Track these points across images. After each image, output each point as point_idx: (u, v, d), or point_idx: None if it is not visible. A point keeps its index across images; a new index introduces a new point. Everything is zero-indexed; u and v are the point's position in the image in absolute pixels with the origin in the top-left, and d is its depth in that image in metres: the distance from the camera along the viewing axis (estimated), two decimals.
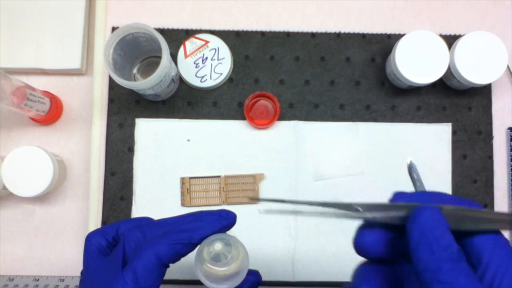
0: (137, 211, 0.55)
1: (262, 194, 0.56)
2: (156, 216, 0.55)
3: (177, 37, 0.57)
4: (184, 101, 0.57)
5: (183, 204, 0.56)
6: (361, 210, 0.26)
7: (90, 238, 0.35)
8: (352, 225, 0.57)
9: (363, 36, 0.58)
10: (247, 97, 0.55)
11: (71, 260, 0.57)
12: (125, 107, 0.57)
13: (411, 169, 0.56)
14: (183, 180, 0.56)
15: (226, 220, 0.35)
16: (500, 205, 0.57)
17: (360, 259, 0.29)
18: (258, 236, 0.55)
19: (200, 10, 0.58)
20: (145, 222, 0.36)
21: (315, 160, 0.56)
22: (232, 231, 0.55)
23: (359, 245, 0.27)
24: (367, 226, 0.27)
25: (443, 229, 0.23)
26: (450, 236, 0.23)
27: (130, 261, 0.32)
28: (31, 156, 0.52)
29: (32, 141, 0.58)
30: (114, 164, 0.56)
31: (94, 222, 0.55)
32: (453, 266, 0.22)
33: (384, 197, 0.58)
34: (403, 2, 0.59)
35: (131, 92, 0.56)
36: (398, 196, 0.28)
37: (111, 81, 0.57)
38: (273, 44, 0.58)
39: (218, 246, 0.33)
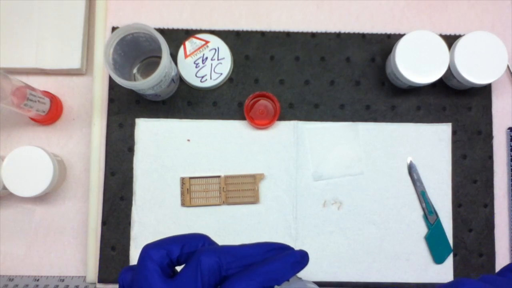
0: (137, 211, 0.55)
1: (262, 194, 0.56)
2: (156, 216, 0.55)
3: (177, 37, 0.58)
4: (184, 101, 0.57)
5: (183, 204, 0.56)
6: None
7: (151, 254, 0.29)
8: (351, 227, 0.57)
9: (363, 36, 0.58)
10: (247, 97, 0.55)
11: (71, 260, 0.57)
12: (125, 107, 0.57)
13: (411, 169, 0.57)
14: (183, 180, 0.56)
15: (305, 262, 0.32)
16: (500, 205, 0.57)
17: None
18: (258, 236, 0.55)
19: (200, 10, 0.59)
20: (217, 247, 0.31)
21: (315, 160, 0.56)
22: (232, 231, 0.55)
23: None
24: None
25: None
26: None
27: None
28: (31, 156, 0.52)
29: (32, 141, 0.58)
30: (114, 164, 0.56)
31: (94, 222, 0.55)
32: None
33: (383, 197, 0.58)
34: (403, 2, 0.59)
35: (131, 92, 0.56)
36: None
37: (111, 81, 0.57)
38: (273, 44, 0.58)
39: None
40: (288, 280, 0.32)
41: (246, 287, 0.28)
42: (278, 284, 0.30)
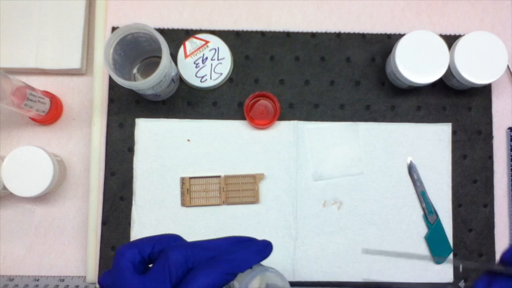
0: (137, 211, 0.55)
1: (262, 194, 0.56)
2: (156, 216, 0.55)
3: (177, 37, 0.58)
4: (184, 101, 0.57)
5: (183, 204, 0.56)
6: None
7: (125, 252, 0.32)
8: (351, 227, 0.57)
9: (363, 36, 0.58)
10: (247, 97, 0.55)
11: (71, 260, 0.57)
12: (125, 107, 0.57)
13: (411, 169, 0.57)
14: (183, 180, 0.56)
15: (268, 251, 0.34)
16: (500, 205, 0.57)
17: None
18: (258, 236, 0.55)
19: (200, 10, 0.58)
20: (185, 243, 0.34)
21: (315, 160, 0.56)
22: (232, 231, 0.55)
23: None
24: None
25: None
26: None
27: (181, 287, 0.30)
28: (31, 156, 0.52)
29: (32, 141, 0.58)
30: (114, 164, 0.56)
31: (94, 222, 0.55)
32: None
33: (383, 197, 0.58)
34: (403, 2, 0.59)
35: (131, 92, 0.56)
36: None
37: (111, 81, 0.57)
38: (273, 44, 0.58)
39: (273, 278, 0.34)
40: (251, 268, 0.33)
41: (209, 274, 0.30)
42: (241, 271, 0.32)
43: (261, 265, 0.35)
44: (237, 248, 0.33)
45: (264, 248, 0.34)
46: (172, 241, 0.34)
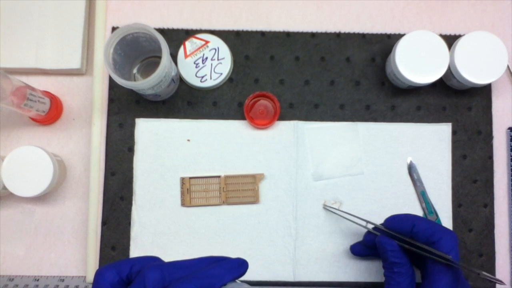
0: (137, 211, 0.55)
1: (262, 194, 0.56)
2: (156, 216, 0.55)
3: (177, 37, 0.58)
4: (184, 101, 0.57)
5: (183, 204, 0.56)
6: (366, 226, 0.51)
7: (104, 274, 0.33)
8: (351, 227, 0.57)
9: (363, 36, 0.58)
10: (247, 97, 0.55)
11: (71, 260, 0.57)
12: (125, 107, 0.57)
13: (411, 169, 0.57)
14: (183, 180, 0.56)
15: (243, 268, 0.35)
16: (500, 205, 0.57)
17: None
18: (258, 236, 0.55)
19: (200, 10, 0.59)
20: (162, 263, 0.35)
21: (315, 160, 0.56)
22: (232, 231, 0.55)
23: (352, 252, 0.54)
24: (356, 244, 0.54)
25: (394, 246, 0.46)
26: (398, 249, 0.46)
27: None
28: (31, 156, 0.52)
29: (32, 141, 0.58)
30: (114, 164, 0.56)
31: (94, 222, 0.55)
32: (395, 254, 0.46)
33: (383, 197, 0.58)
34: (403, 2, 0.59)
35: (131, 92, 0.56)
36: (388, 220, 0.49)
37: (111, 81, 0.57)
38: (273, 44, 0.58)
39: None
40: (225, 285, 0.34)
41: None
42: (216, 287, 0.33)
43: (236, 282, 0.35)
44: (212, 266, 0.34)
45: (238, 266, 0.34)
46: (151, 261, 0.35)
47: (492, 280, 0.42)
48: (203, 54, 0.57)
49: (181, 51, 0.57)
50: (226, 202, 0.55)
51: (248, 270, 0.35)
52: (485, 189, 0.56)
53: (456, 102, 0.57)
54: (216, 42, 0.57)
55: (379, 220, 0.56)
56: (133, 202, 0.56)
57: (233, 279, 0.34)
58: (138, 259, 0.35)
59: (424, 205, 0.56)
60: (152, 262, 0.35)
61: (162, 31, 0.57)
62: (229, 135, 0.56)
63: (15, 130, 0.58)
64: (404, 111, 0.57)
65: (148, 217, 0.55)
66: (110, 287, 0.33)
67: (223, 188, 0.55)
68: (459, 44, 0.53)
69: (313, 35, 0.58)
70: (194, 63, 0.57)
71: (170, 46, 0.50)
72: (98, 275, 0.33)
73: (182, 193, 0.56)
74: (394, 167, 0.56)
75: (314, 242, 0.55)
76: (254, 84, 0.57)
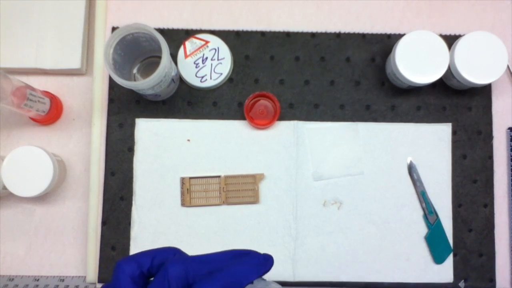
0: (137, 211, 0.55)
1: (262, 194, 0.56)
2: (156, 216, 0.55)
3: (177, 37, 0.57)
4: (184, 101, 0.57)
5: (183, 204, 0.56)
6: None
7: (124, 267, 0.31)
8: (351, 226, 0.57)
9: (363, 36, 0.58)
10: (247, 97, 0.55)
11: (71, 260, 0.57)
12: (125, 107, 0.57)
13: (411, 169, 0.57)
14: (183, 180, 0.56)
15: (269, 265, 0.34)
16: (500, 205, 0.57)
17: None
18: (258, 236, 0.55)
19: (200, 10, 0.58)
20: (184, 257, 0.33)
21: (315, 160, 0.56)
22: (232, 231, 0.55)
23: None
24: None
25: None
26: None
27: None
28: (31, 156, 0.52)
29: (32, 141, 0.58)
30: (114, 164, 0.56)
31: (94, 222, 0.55)
32: None
33: (383, 197, 0.58)
34: (403, 2, 0.59)
35: (131, 92, 0.56)
36: None
37: (111, 81, 0.57)
38: (273, 44, 0.58)
39: None
40: (252, 283, 0.33)
41: None
42: (242, 286, 0.31)
43: (263, 279, 0.35)
44: (237, 262, 0.33)
45: (265, 262, 0.33)
46: (171, 254, 0.34)
47: None
48: (203, 54, 0.57)
49: (181, 51, 0.57)
50: (226, 202, 0.55)
51: None
52: (485, 189, 0.56)
53: (456, 102, 0.57)
54: (216, 42, 0.57)
55: (379, 220, 0.56)
56: (133, 202, 0.56)
57: (259, 276, 0.33)
58: (159, 251, 0.33)
59: (424, 205, 0.56)
60: (173, 254, 0.34)
61: (162, 31, 0.57)
62: (229, 135, 0.56)
63: (15, 130, 0.58)
64: (404, 111, 0.57)
65: (148, 217, 0.55)
66: (130, 280, 0.31)
67: (223, 188, 0.55)
68: (459, 44, 0.53)
69: (313, 35, 0.58)
70: (194, 63, 0.57)
71: (170, 46, 0.50)
72: (119, 268, 0.32)
73: (182, 193, 0.56)
74: (394, 167, 0.56)
75: (314, 242, 0.55)
76: (254, 84, 0.57)
